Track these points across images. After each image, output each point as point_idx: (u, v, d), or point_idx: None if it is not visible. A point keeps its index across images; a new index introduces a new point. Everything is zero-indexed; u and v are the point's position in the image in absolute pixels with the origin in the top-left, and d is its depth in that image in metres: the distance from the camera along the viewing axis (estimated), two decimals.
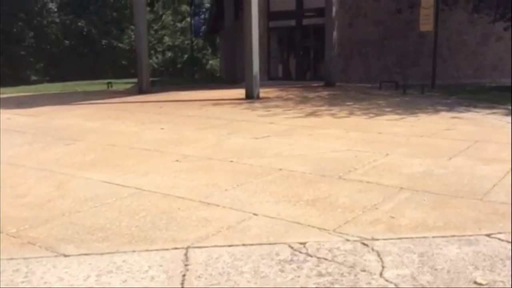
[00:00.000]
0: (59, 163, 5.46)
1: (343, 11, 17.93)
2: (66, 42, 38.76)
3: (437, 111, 9.32)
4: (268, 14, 19.79)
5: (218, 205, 3.74)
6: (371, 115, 8.99)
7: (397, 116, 8.68)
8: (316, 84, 16.57)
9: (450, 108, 9.76)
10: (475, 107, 9.82)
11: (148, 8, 34.85)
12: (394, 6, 15.45)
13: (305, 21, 19.38)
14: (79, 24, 37.80)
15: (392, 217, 3.37)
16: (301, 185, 4.27)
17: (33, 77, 38.31)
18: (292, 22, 19.73)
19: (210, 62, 42.94)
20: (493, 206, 3.59)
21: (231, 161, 5.29)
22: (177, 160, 5.41)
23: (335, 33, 16.18)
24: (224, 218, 3.45)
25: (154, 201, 3.88)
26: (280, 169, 4.85)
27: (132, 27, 33.28)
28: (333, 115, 9.16)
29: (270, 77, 20.16)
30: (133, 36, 32.08)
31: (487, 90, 13.26)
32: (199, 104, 11.59)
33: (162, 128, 7.88)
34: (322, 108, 10.22)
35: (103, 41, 38.46)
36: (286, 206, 3.68)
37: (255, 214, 3.50)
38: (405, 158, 5.26)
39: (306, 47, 20.09)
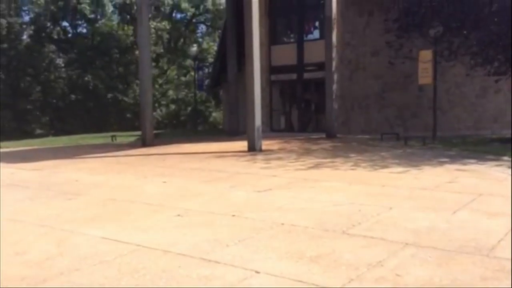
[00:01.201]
0: (60, 219, 5.42)
1: (343, 65, 18.33)
2: (72, 96, 39.49)
3: (439, 163, 9.30)
4: (270, 68, 20.24)
5: (219, 262, 3.67)
6: (374, 167, 8.98)
7: (400, 169, 8.66)
8: (318, 136, 16.69)
9: (453, 160, 9.76)
10: (477, 159, 9.81)
11: (153, 64, 35.76)
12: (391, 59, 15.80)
13: (306, 75, 19.78)
14: (86, 78, 38.65)
15: (398, 275, 3.30)
16: (304, 241, 4.20)
17: (38, 131, 38.77)
18: (294, 76, 20.14)
19: (213, 114, 43.51)
20: (499, 263, 3.51)
21: (233, 216, 5.25)
22: (178, 215, 5.36)
23: (335, 86, 16.47)
24: (225, 276, 3.38)
25: (154, 259, 3.82)
26: (283, 224, 4.80)
27: (137, 81, 33.99)
28: (335, 167, 9.16)
29: (273, 129, 20.34)
30: (138, 91, 32.69)
31: (488, 142, 13.30)
32: (202, 156, 11.63)
33: (164, 182, 7.87)
34: (325, 160, 10.23)
35: (109, 95, 39.17)
36: (289, 263, 3.61)
37: (257, 272, 3.43)
38: (409, 212, 5.21)
39: (307, 99, 20.41)
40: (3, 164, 10.83)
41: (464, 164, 9.15)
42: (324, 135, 16.54)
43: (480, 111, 16.78)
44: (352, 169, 8.89)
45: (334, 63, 16.40)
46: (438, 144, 12.98)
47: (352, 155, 11.05)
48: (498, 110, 16.44)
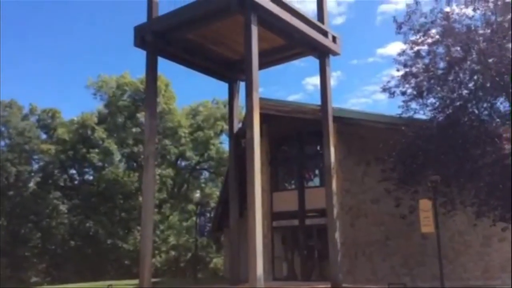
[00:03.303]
0: None
1: (343, 212, 18.44)
2: (72, 242, 39.06)
3: None
4: (271, 214, 20.33)
5: None
6: None
7: None
8: (322, 286, 16.08)
9: None
10: None
11: (156, 209, 36.06)
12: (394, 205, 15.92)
13: (308, 221, 19.79)
14: (87, 224, 38.62)
15: None
16: None
17: (34, 278, 37.56)
18: (295, 222, 20.13)
19: (214, 260, 42.48)
20: None
21: None
22: None
23: (337, 233, 16.37)
24: None
25: None
26: None
27: (138, 227, 33.90)
28: None
29: (275, 277, 19.70)
30: (138, 237, 32.43)
31: None
32: None
33: None
34: None
35: (109, 241, 38.76)
36: None
37: None
38: None
39: (310, 246, 20.10)
40: None
41: None
42: (329, 285, 15.96)
43: (486, 260, 16.39)
44: None
45: (335, 210, 16.55)
46: None
47: None
48: (504, 258, 16.06)
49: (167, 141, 42.36)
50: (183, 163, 46.52)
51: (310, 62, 13.10)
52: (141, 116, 39.02)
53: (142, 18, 12.44)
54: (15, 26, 60.81)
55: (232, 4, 9.91)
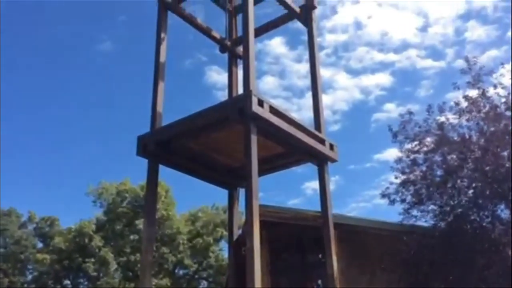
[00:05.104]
0: None
1: None
2: None
3: None
4: None
5: None
6: None
7: None
8: None
9: None
10: None
11: None
12: None
13: None
14: None
15: None
16: None
17: None
18: None
19: None
20: None
21: None
22: None
23: None
24: None
25: None
26: None
27: None
28: None
29: None
30: None
31: None
32: None
33: None
34: None
35: None
36: None
37: None
38: None
39: None
40: None
41: None
42: None
43: None
44: None
45: None
46: None
47: None
48: None
49: (164, 249, 41.46)
50: (181, 272, 45.10)
51: (309, 167, 13.28)
52: (139, 223, 38.67)
53: (143, 125, 12.86)
54: (16, 143, 62.63)
55: (231, 115, 10.28)
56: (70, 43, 64.23)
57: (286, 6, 12.53)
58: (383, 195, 15.67)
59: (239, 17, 14.09)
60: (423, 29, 70.59)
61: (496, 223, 13.88)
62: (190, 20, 13.11)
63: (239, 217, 23.80)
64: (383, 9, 63.55)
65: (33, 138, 65.62)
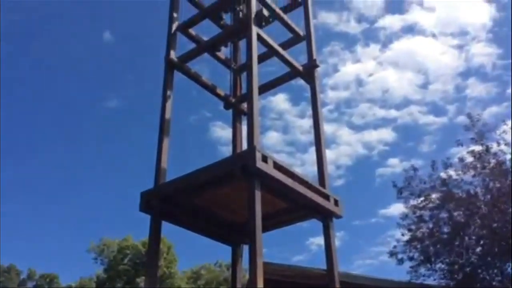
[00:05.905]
0: None
1: None
2: None
3: None
4: None
5: None
6: None
7: None
8: None
9: None
10: None
11: None
12: None
13: None
14: None
15: None
16: None
17: None
18: None
19: None
20: None
21: None
22: None
23: None
24: None
25: None
26: None
27: None
28: None
29: None
30: None
31: None
32: None
33: None
34: None
35: None
36: None
37: None
38: None
39: None
40: None
41: None
42: None
43: None
44: None
45: None
46: None
47: None
48: None
49: None
50: None
51: (314, 222, 13.07)
52: (140, 281, 37.78)
53: (145, 178, 12.73)
54: (16, 188, 62.52)
55: (235, 171, 10.25)
56: (78, 99, 65.52)
57: (290, 64, 12.82)
58: (391, 254, 15.38)
59: (244, 75, 14.40)
60: (424, 86, 72.12)
61: (504, 281, 13.51)
62: (195, 78, 13.38)
63: (243, 275, 23.22)
64: (384, 67, 65.14)
65: (35, 193, 65.58)
